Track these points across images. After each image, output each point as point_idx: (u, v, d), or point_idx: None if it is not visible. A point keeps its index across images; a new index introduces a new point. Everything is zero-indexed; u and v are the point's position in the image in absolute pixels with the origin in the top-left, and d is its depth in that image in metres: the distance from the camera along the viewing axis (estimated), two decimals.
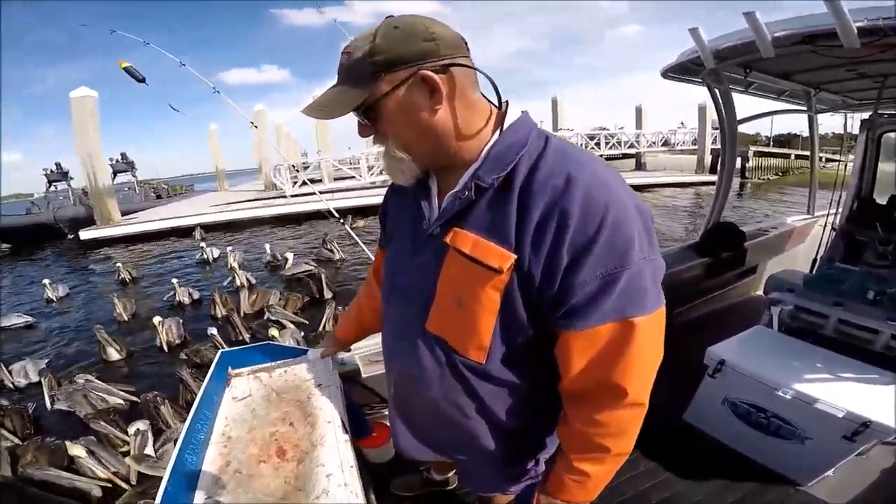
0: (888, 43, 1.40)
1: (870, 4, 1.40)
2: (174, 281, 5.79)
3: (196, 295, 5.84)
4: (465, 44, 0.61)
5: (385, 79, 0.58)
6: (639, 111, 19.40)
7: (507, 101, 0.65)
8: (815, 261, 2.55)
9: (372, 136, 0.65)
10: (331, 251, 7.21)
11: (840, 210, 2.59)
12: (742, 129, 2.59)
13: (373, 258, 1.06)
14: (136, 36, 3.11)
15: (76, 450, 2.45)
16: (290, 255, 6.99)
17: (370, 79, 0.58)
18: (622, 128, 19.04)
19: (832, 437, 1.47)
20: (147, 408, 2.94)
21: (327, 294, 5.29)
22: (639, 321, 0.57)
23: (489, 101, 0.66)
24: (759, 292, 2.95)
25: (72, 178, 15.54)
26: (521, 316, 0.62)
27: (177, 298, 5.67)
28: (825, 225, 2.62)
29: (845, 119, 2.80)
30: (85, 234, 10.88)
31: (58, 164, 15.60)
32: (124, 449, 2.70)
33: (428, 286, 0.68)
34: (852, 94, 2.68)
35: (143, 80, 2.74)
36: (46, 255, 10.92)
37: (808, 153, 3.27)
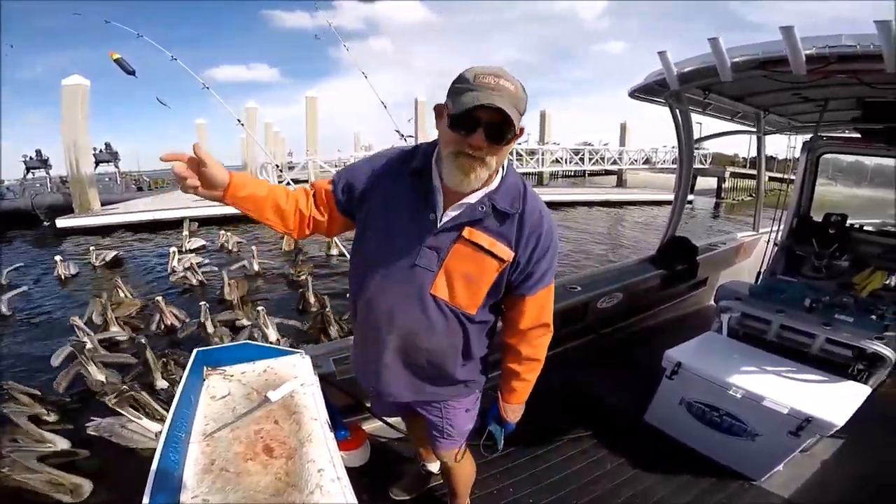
0: (831, 70, 1.46)
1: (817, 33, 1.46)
2: (193, 261, 5.74)
3: (203, 280, 5.72)
4: None
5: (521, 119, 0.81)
6: (623, 128, 18.95)
7: None
8: (759, 273, 2.61)
9: (480, 148, 0.80)
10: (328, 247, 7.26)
11: (782, 227, 2.66)
12: (721, 149, 2.65)
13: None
14: (128, 29, 2.97)
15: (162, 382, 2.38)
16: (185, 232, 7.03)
17: (521, 115, 0.80)
18: (606, 144, 18.48)
19: (779, 433, 1.51)
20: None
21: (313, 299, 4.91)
22: (552, 285, 0.98)
23: None
24: (711, 302, 3.02)
25: (50, 167, 14.56)
26: (501, 286, 0.95)
27: (190, 282, 5.52)
28: (769, 241, 2.69)
29: (789, 140, 2.86)
30: (62, 223, 10.16)
31: (38, 152, 14.53)
32: None
33: (436, 263, 0.90)
34: (797, 117, 2.76)
35: (132, 73, 2.62)
36: (26, 240, 10.10)
37: (781, 175, 3.34)
